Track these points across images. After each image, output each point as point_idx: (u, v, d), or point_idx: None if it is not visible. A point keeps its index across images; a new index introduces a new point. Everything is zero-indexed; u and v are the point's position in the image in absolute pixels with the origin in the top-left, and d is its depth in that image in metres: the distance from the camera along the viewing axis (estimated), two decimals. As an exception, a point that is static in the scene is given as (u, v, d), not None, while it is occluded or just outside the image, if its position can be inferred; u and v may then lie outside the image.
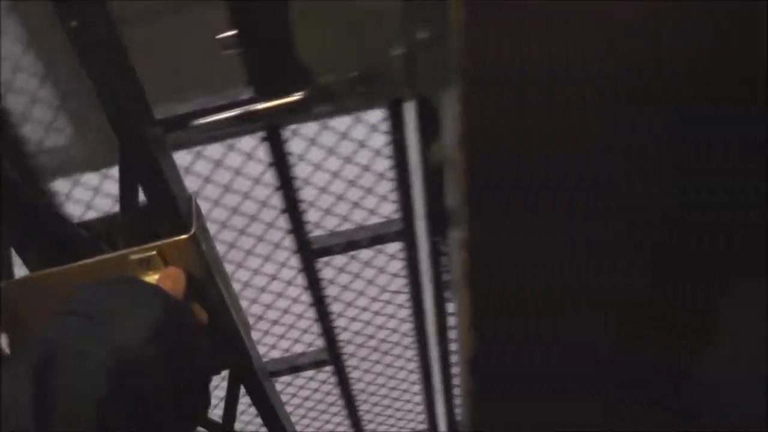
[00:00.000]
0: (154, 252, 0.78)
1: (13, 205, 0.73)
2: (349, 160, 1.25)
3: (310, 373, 1.71)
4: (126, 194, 0.78)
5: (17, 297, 0.78)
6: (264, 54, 0.98)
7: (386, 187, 1.30)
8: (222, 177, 1.24)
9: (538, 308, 1.23)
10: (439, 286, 1.46)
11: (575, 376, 1.32)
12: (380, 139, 1.20)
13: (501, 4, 0.81)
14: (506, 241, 1.08)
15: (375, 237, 1.37)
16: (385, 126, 1.17)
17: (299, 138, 1.16)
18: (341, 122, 1.18)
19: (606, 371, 1.31)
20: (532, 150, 0.96)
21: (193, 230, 0.79)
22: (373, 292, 1.58)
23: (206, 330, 0.80)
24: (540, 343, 1.30)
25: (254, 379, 1.00)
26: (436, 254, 1.39)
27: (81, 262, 0.78)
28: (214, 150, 1.17)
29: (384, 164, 1.25)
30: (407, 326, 1.61)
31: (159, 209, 0.79)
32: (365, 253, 1.43)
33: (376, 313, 1.64)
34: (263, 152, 1.13)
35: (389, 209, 1.33)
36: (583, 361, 1.30)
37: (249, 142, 1.16)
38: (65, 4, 0.63)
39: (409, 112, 1.14)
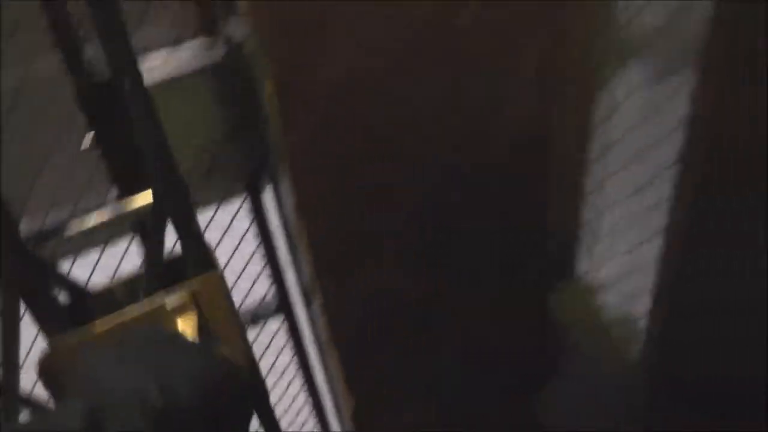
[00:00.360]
0: (187, 296, 0.83)
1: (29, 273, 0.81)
2: (218, 245, 1.35)
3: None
4: (154, 234, 0.85)
5: (61, 360, 0.80)
6: (122, 155, 1.09)
7: (258, 266, 1.40)
8: (103, 273, 1.31)
9: (405, 356, 1.33)
10: (324, 352, 1.54)
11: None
12: (245, 222, 1.31)
13: (315, 93, 0.95)
14: (361, 299, 1.20)
15: (255, 316, 1.46)
16: (246, 208, 1.28)
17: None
18: (205, 210, 1.28)
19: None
20: (357, 216, 1.09)
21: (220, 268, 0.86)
22: (263, 370, 1.63)
23: (246, 373, 0.86)
24: (416, 395, 1.40)
25: (271, 416, 1.07)
26: (314, 323, 1.49)
27: (115, 316, 0.82)
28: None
29: (253, 245, 1.36)
30: (302, 398, 1.68)
31: (189, 246, 0.86)
32: (249, 333, 1.50)
33: (269, 391, 1.69)
34: (136, 246, 1.22)
35: (265, 286, 1.43)
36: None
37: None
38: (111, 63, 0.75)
39: (267, 193, 1.27)
